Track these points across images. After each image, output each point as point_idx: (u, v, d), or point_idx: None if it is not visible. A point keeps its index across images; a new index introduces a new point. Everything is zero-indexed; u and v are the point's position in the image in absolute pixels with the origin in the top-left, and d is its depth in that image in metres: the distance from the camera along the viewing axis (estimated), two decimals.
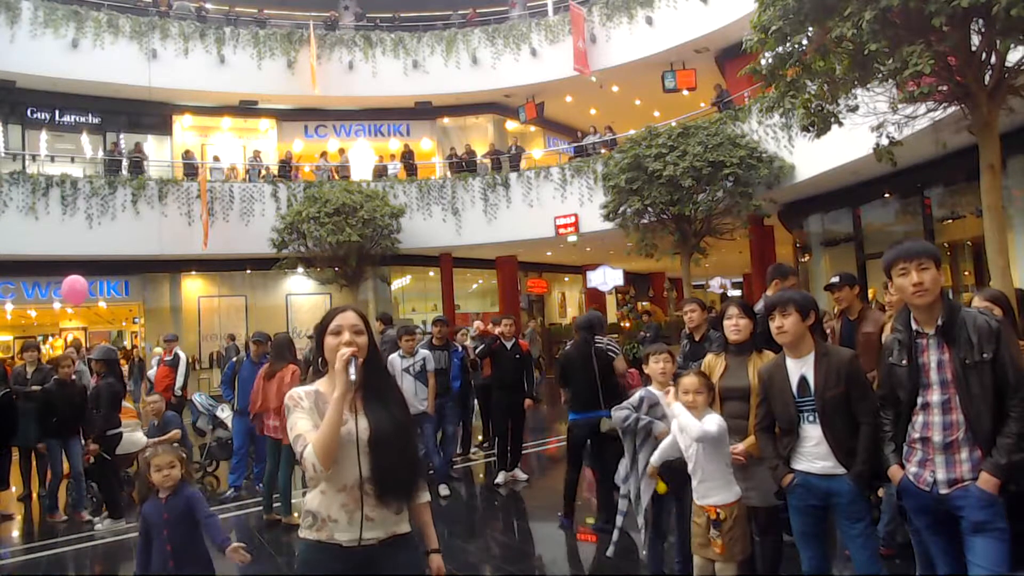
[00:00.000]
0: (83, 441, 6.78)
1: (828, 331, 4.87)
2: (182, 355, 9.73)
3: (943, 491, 2.52)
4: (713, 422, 3.28)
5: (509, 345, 7.15)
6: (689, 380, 3.42)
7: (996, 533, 2.43)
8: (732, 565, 3.28)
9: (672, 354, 4.08)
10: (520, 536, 5.94)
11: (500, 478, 7.10)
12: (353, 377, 2.09)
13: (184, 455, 3.55)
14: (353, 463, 2.12)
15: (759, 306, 4.07)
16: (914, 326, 2.63)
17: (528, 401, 7.20)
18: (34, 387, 7.09)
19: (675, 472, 3.70)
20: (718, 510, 3.26)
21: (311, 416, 2.16)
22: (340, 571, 2.12)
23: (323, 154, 18.62)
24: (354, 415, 2.17)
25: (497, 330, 7.43)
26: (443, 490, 6.72)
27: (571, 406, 5.58)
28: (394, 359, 6.76)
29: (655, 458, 3.71)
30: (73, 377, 6.88)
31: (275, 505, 6.22)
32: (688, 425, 3.31)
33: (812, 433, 2.99)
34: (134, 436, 7.06)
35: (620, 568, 4.88)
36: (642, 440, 3.94)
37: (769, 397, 3.15)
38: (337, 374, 2.13)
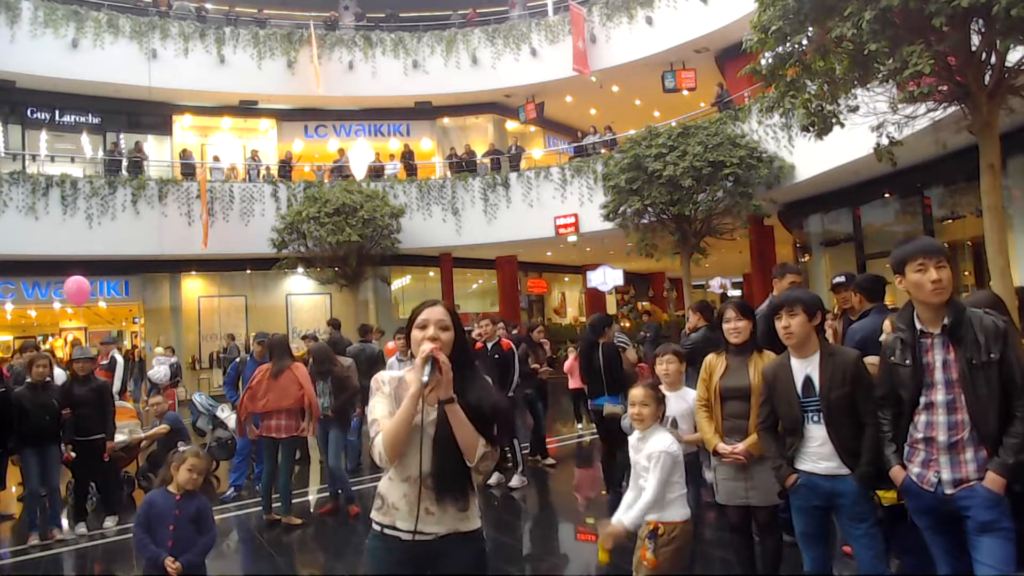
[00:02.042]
0: (62, 447, 6.09)
1: (830, 331, 4.87)
2: (119, 358, 9.75)
3: (948, 491, 2.51)
4: (652, 481, 3.04)
5: (490, 346, 7.08)
6: (635, 392, 3.25)
7: (1003, 532, 2.43)
8: None
9: (679, 354, 4.05)
10: (520, 536, 5.94)
11: (492, 479, 7.10)
12: (426, 378, 2.04)
13: (209, 467, 3.63)
14: (417, 456, 2.11)
15: (763, 306, 4.07)
16: (918, 325, 2.62)
17: None
18: None
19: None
20: (659, 524, 3.10)
21: (389, 402, 2.16)
22: (404, 562, 2.13)
23: (336, 167, 18.26)
24: (428, 408, 2.13)
25: (474, 333, 7.35)
26: None
27: (588, 393, 6.38)
28: (393, 361, 6.75)
29: (635, 519, 3.11)
30: (48, 379, 6.13)
31: (275, 505, 6.22)
32: (642, 508, 3.05)
33: (816, 433, 2.99)
34: (117, 436, 6.99)
35: (620, 568, 4.88)
36: None
37: (773, 397, 3.14)
38: (415, 369, 2.11)
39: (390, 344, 9.40)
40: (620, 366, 6.07)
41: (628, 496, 3.27)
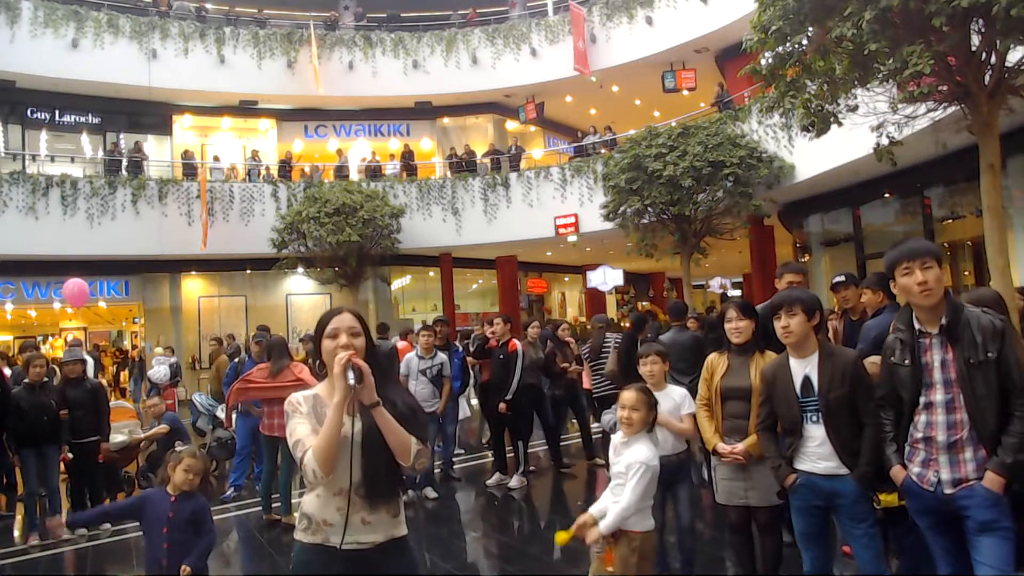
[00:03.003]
0: (60, 448, 6.09)
1: (831, 331, 4.86)
2: (88, 359, 9.72)
3: (948, 491, 2.51)
4: (629, 489, 2.99)
5: (499, 346, 7.09)
6: (627, 395, 3.18)
7: (1002, 532, 2.43)
8: None
9: (662, 354, 4.02)
10: (520, 536, 5.94)
11: (492, 480, 7.10)
12: (352, 382, 2.03)
13: (207, 467, 3.59)
14: (347, 466, 2.08)
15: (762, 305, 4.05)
16: (916, 325, 2.63)
17: (501, 405, 6.87)
18: None
19: (670, 469, 3.69)
20: (623, 531, 3.05)
21: (309, 421, 2.14)
22: (336, 573, 2.09)
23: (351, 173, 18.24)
24: (351, 418, 2.12)
25: (488, 331, 7.33)
26: (430, 492, 6.65)
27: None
28: (411, 358, 6.75)
29: (611, 524, 3.06)
30: (45, 380, 6.12)
31: (274, 505, 6.23)
32: (619, 514, 3.02)
33: (816, 433, 2.99)
34: (115, 437, 7.00)
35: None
36: None
37: (772, 397, 3.14)
38: (336, 379, 2.07)
39: (400, 344, 9.42)
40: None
41: (603, 499, 3.21)
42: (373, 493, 2.10)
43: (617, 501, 3.08)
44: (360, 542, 2.10)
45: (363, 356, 2.14)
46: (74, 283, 12.51)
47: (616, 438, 3.29)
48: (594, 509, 3.17)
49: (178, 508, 3.39)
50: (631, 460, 3.07)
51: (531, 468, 7.58)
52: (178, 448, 3.67)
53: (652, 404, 3.20)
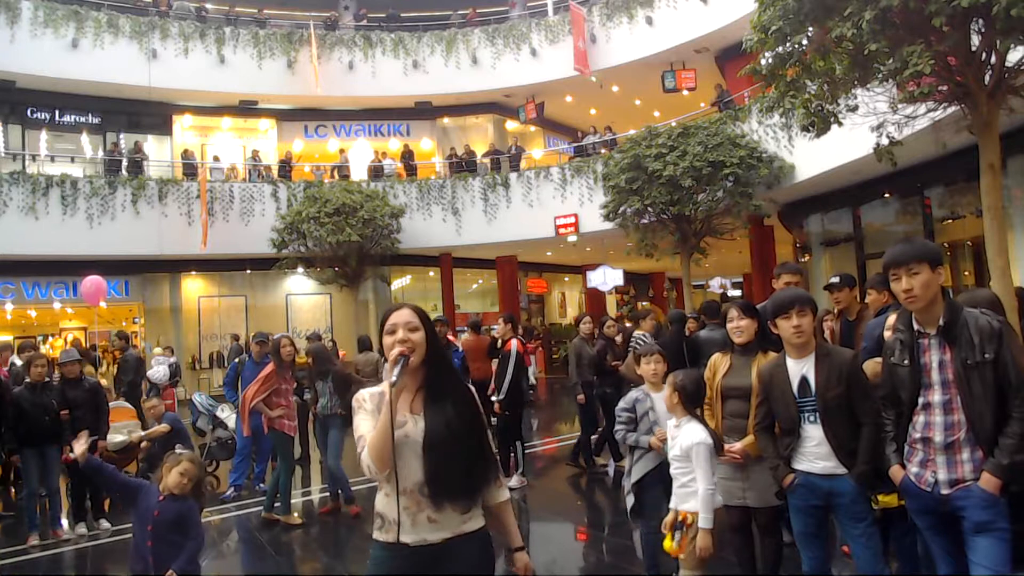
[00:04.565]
0: (60, 448, 6.07)
1: (827, 331, 4.87)
2: (18, 361, 9.72)
3: (944, 491, 2.51)
4: (700, 474, 3.24)
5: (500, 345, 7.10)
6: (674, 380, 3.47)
7: (998, 533, 2.43)
8: (691, 573, 3.26)
9: (663, 354, 4.04)
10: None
11: None
12: (394, 379, 2.02)
13: (203, 476, 3.56)
14: (412, 466, 2.09)
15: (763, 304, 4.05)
16: (915, 326, 2.63)
17: (496, 405, 6.87)
18: None
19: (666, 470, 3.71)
20: (689, 515, 3.26)
21: (372, 418, 2.14)
22: (407, 570, 2.10)
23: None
24: (415, 416, 2.12)
25: (495, 333, 7.36)
26: None
27: None
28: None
29: (706, 514, 3.26)
30: (47, 379, 6.14)
31: (275, 505, 6.23)
32: (703, 499, 3.24)
33: (813, 433, 2.99)
34: (115, 437, 7.01)
35: (619, 567, 4.88)
36: (639, 455, 3.91)
37: (770, 397, 3.15)
38: (385, 374, 2.09)
39: None
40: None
41: (675, 494, 3.43)
42: (437, 492, 2.09)
43: (684, 487, 3.33)
44: (427, 540, 2.09)
45: (423, 350, 2.14)
46: (92, 280, 12.48)
47: (670, 424, 3.50)
48: (674, 505, 3.42)
49: (164, 508, 3.36)
50: (689, 442, 3.28)
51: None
52: (178, 451, 3.66)
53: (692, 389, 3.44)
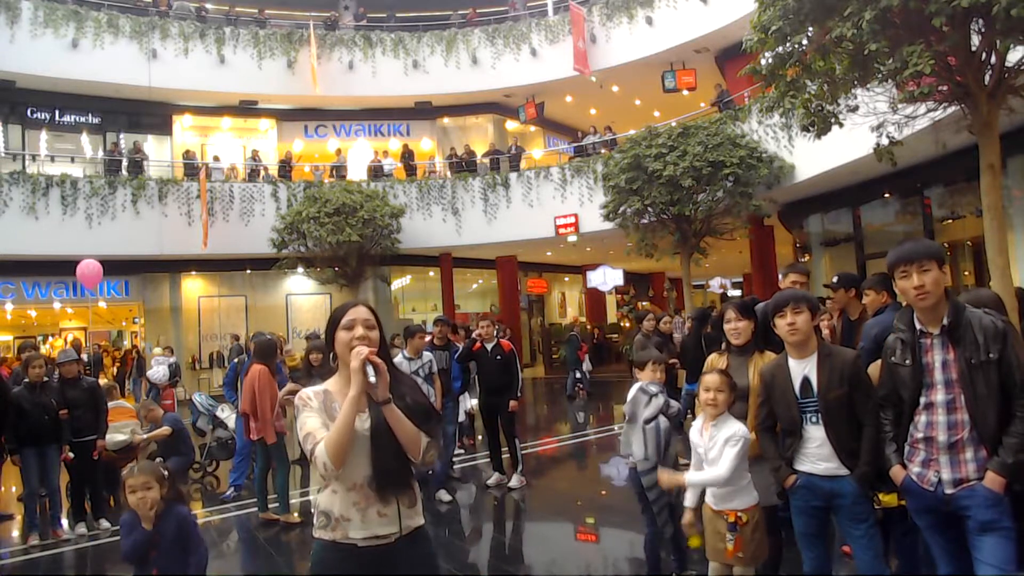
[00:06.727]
0: (60, 448, 6.12)
1: (827, 330, 4.86)
2: None
3: (948, 491, 2.51)
4: (729, 457, 3.18)
5: (490, 347, 7.07)
6: (711, 378, 3.33)
7: (1003, 532, 2.43)
8: (751, 569, 3.25)
9: (661, 361, 4.05)
10: (520, 536, 5.94)
11: (492, 480, 7.09)
12: (373, 379, 2.05)
13: (164, 473, 3.18)
14: (361, 460, 2.10)
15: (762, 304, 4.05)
16: (918, 325, 2.62)
17: (512, 403, 6.91)
18: None
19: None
20: (739, 513, 3.21)
21: (320, 416, 2.15)
22: (355, 570, 2.11)
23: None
24: (360, 413, 2.13)
25: (475, 333, 7.34)
26: (443, 495, 6.64)
27: (687, 380, 7.04)
28: (400, 361, 6.76)
29: (698, 482, 3.33)
30: (45, 379, 6.15)
31: (273, 505, 6.23)
32: (711, 480, 3.23)
33: (815, 434, 2.98)
34: (115, 437, 7.01)
35: (619, 567, 4.88)
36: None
37: (771, 398, 3.14)
38: (353, 372, 2.07)
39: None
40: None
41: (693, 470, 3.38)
42: (384, 486, 2.11)
43: (727, 485, 3.24)
44: (378, 535, 2.11)
45: (378, 350, 2.16)
46: (87, 264, 12.56)
47: (697, 423, 3.41)
48: (714, 505, 3.34)
49: (160, 532, 3.07)
50: (729, 434, 3.22)
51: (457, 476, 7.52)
52: (123, 473, 3.26)
53: (733, 386, 3.37)
